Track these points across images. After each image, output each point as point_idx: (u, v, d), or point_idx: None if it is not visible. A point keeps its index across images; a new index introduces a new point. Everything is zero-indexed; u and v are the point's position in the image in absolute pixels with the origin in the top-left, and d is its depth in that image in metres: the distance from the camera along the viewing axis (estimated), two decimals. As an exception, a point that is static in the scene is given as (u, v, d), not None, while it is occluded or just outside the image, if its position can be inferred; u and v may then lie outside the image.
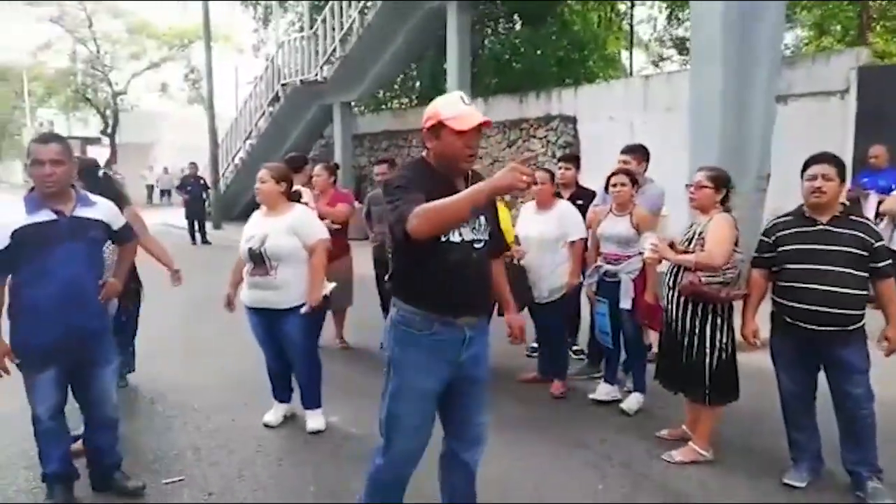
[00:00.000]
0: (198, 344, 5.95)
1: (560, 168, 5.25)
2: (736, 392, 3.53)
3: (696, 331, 3.46)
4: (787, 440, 3.38)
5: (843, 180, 3.11)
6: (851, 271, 3.01)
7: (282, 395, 4.12)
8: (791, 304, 3.13)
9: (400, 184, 2.28)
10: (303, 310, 3.75)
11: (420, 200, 2.13)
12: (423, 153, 2.43)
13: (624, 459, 3.60)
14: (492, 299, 2.56)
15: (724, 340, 3.45)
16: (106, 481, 3.24)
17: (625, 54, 18.83)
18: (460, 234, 2.32)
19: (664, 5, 18.38)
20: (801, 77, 8.31)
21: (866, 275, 3.04)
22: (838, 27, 16.66)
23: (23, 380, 2.96)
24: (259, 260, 3.75)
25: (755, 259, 3.34)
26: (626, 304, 4.18)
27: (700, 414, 3.59)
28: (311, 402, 4.02)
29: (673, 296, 3.56)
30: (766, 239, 3.28)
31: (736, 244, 3.43)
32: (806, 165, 3.18)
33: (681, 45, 18.42)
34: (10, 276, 2.86)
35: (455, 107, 2.31)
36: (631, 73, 16.96)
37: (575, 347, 5.39)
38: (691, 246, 3.49)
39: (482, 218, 2.40)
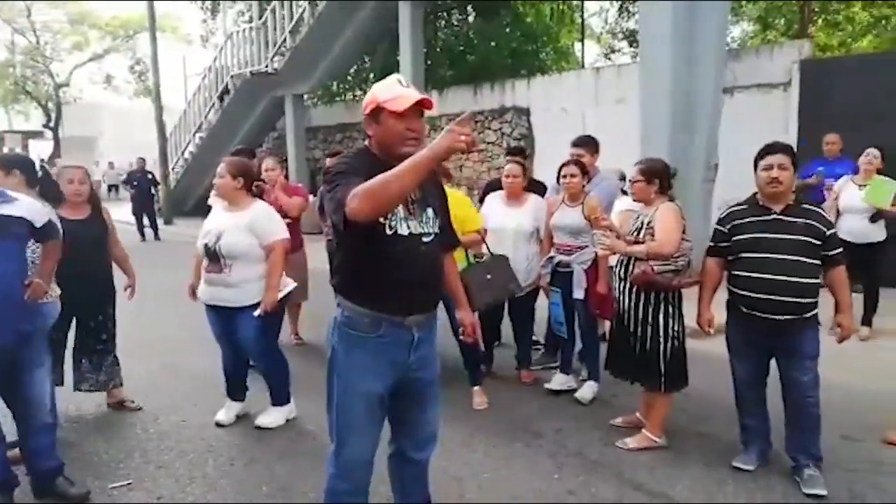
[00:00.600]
0: (147, 342, 5.79)
1: (510, 162, 5.24)
2: (686, 379, 3.60)
3: (650, 320, 3.50)
4: (738, 425, 3.45)
5: (796, 169, 3.16)
6: (805, 259, 3.04)
7: (235, 393, 4.04)
8: (746, 293, 3.16)
9: (340, 170, 2.14)
10: (255, 312, 3.67)
11: (359, 184, 1.97)
12: (366, 142, 2.31)
13: (579, 448, 3.64)
14: (441, 296, 2.45)
15: (676, 328, 3.51)
16: (48, 488, 3.12)
17: (577, 46, 19.01)
18: (408, 227, 2.21)
19: (615, -2, 18.62)
20: (746, 69, 8.52)
21: (819, 263, 3.08)
22: (782, 21, 17.12)
23: None
24: (214, 257, 3.66)
25: (710, 248, 3.38)
26: (578, 294, 4.22)
27: (653, 401, 3.65)
28: (279, 398, 3.96)
29: (624, 286, 3.60)
30: (720, 228, 3.31)
31: (684, 232, 3.48)
32: (760, 155, 3.20)
33: (632, 38, 18.65)
34: None
35: (392, 89, 2.20)
36: (583, 66, 17.12)
37: (533, 338, 5.43)
38: (640, 236, 3.54)
39: (430, 210, 2.30)
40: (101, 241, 4.02)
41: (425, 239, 2.27)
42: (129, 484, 3.27)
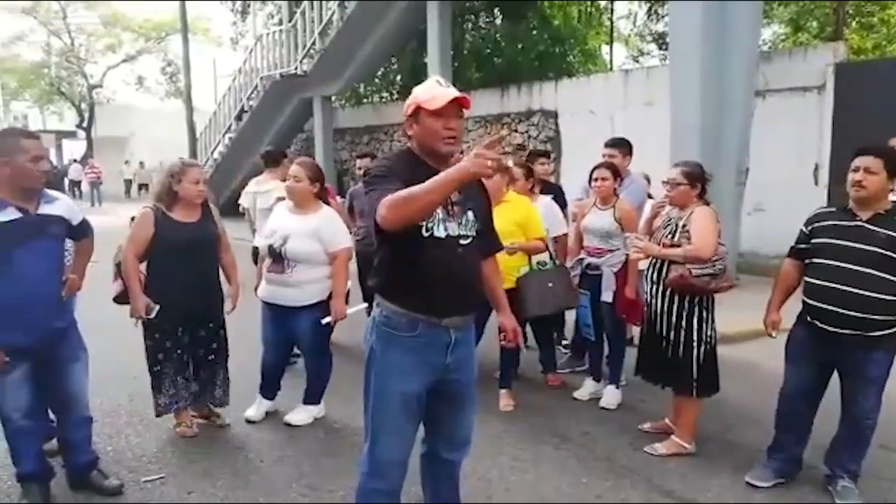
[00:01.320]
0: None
1: (544, 164, 5.25)
2: (718, 384, 3.55)
3: (683, 324, 3.45)
4: (768, 434, 3.34)
5: (892, 175, 2.89)
6: (881, 274, 2.83)
7: (269, 392, 4.09)
8: (813, 301, 3.00)
9: (377, 173, 2.22)
10: (324, 320, 3.74)
11: (395, 190, 2.03)
12: (409, 144, 2.35)
13: (607, 452, 3.62)
14: (480, 299, 2.47)
15: (710, 333, 3.47)
16: (83, 481, 3.19)
17: (605, 49, 18.91)
18: (445, 229, 2.23)
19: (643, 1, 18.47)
20: (778, 72, 8.39)
21: None
22: (814, 23, 16.84)
23: None
24: (278, 257, 3.72)
25: (791, 249, 3.22)
26: (607, 297, 4.20)
27: (683, 407, 3.61)
28: (313, 397, 4.00)
29: (657, 290, 3.56)
30: (804, 228, 3.14)
31: (719, 236, 3.44)
32: (853, 156, 2.98)
33: (660, 41, 18.50)
34: None
35: (431, 90, 2.24)
36: (611, 68, 17.02)
37: (564, 342, 5.42)
38: (675, 239, 3.49)
39: (470, 213, 2.31)
40: (213, 245, 3.77)
41: (463, 241, 2.28)
42: (161, 478, 3.33)
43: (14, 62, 30.19)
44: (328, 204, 3.98)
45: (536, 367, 4.84)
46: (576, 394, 4.44)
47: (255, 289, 4.04)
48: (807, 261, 3.09)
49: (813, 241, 3.06)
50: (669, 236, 3.53)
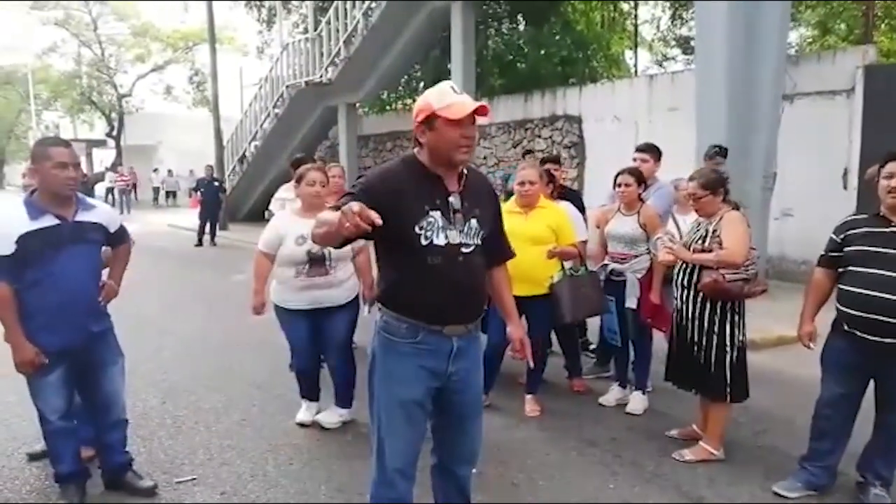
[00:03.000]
0: (205, 343, 5.97)
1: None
2: (748, 390, 3.53)
3: (716, 329, 3.43)
4: (797, 439, 3.32)
5: None
6: None
7: (312, 394, 4.14)
8: (848, 310, 2.95)
9: (359, 186, 2.23)
10: (366, 310, 3.82)
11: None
12: (415, 151, 2.29)
13: (634, 458, 3.61)
14: (482, 307, 2.40)
15: (741, 338, 3.45)
16: (118, 481, 3.26)
17: (629, 54, 18.84)
18: (445, 237, 2.19)
19: (668, 5, 18.36)
20: (806, 76, 8.29)
21: None
22: (843, 26, 16.61)
23: (27, 383, 2.99)
24: (320, 261, 3.75)
25: (821, 258, 3.17)
26: (631, 303, 4.19)
27: (712, 413, 3.59)
28: (345, 399, 4.06)
29: (688, 295, 3.54)
30: (834, 237, 3.08)
31: (749, 240, 3.42)
32: (885, 162, 2.93)
33: (685, 45, 18.38)
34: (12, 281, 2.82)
35: (447, 97, 2.17)
36: (636, 73, 16.95)
37: (591, 346, 5.41)
38: (706, 244, 3.48)
39: (474, 221, 2.27)
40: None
41: (465, 249, 2.24)
42: (193, 479, 3.39)
43: (46, 72, 31.00)
44: None
45: (562, 373, 4.84)
46: (602, 399, 4.43)
47: (262, 304, 3.99)
48: (840, 269, 3.05)
49: (846, 249, 3.01)
50: (700, 241, 3.52)
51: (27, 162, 3.19)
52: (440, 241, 2.19)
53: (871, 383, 3.06)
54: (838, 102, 8.07)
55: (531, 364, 2.74)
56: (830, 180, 7.93)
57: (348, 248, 3.77)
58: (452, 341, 2.28)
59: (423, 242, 2.17)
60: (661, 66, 20.31)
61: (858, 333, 2.93)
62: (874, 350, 2.91)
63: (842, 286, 3.02)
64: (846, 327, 2.99)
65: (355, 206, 1.87)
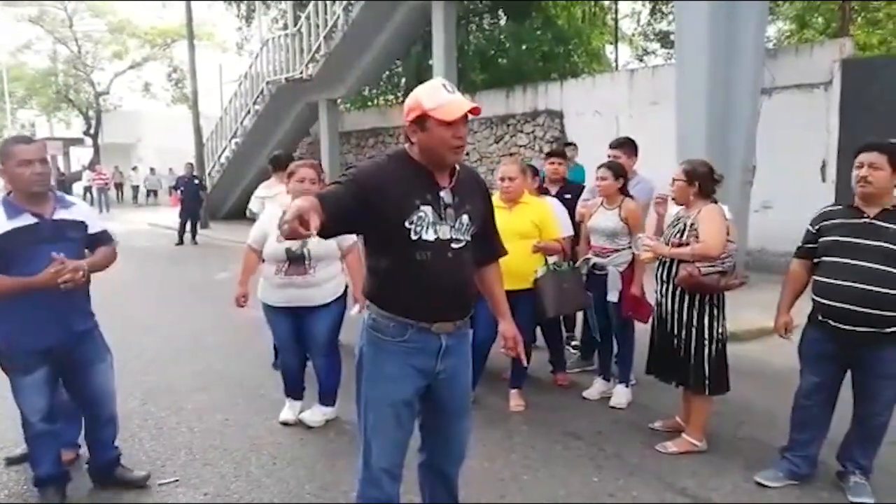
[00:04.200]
0: (188, 343, 5.91)
1: (552, 164, 5.24)
2: (728, 382, 3.56)
3: (694, 322, 3.46)
4: (777, 430, 3.35)
5: None
6: (893, 270, 2.82)
7: (296, 392, 4.11)
8: (825, 301, 2.97)
9: (347, 174, 2.17)
10: (354, 310, 3.76)
11: (334, 194, 2.05)
12: (406, 146, 2.26)
13: (618, 451, 3.63)
14: (471, 304, 2.38)
15: (720, 331, 3.48)
16: (107, 477, 3.27)
17: (609, 49, 18.90)
18: (435, 232, 2.17)
19: (647, -1, 18.47)
20: (784, 70, 8.37)
21: None
22: (820, 20, 16.80)
23: (9, 383, 2.95)
24: (299, 260, 3.72)
25: (798, 249, 3.20)
26: (613, 296, 4.21)
27: (694, 405, 3.62)
28: (328, 398, 4.03)
29: (667, 289, 3.57)
30: (810, 227, 3.13)
31: (728, 234, 3.45)
32: (857, 153, 2.98)
33: (664, 39, 18.50)
34: None
35: (439, 96, 2.13)
36: (616, 68, 17.01)
37: (573, 342, 5.43)
38: (683, 238, 3.51)
39: (465, 217, 2.25)
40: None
41: (454, 245, 2.22)
42: (176, 481, 3.35)
43: (21, 70, 30.50)
44: None
45: (546, 368, 4.86)
46: (585, 393, 4.45)
47: (245, 296, 4.00)
48: (816, 260, 3.09)
49: (821, 239, 3.04)
50: (678, 235, 3.55)
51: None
52: (429, 236, 2.17)
53: (850, 376, 3.09)
54: (816, 96, 8.17)
55: (523, 362, 2.73)
56: (809, 173, 8.03)
57: (333, 247, 3.76)
58: (441, 339, 2.26)
59: (413, 237, 2.15)
60: (641, 60, 20.43)
61: (832, 323, 2.97)
62: (849, 340, 2.94)
63: (817, 277, 3.06)
64: (821, 317, 3.02)
65: (304, 207, 1.85)
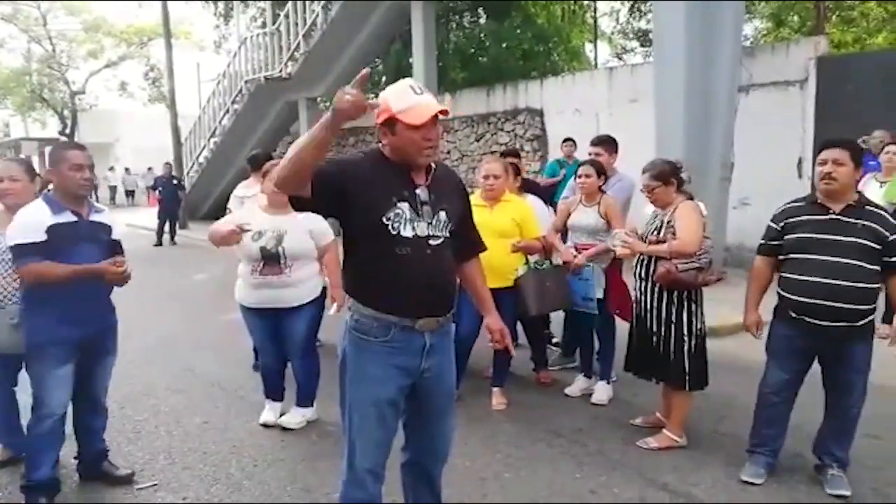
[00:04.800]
0: (166, 345, 5.84)
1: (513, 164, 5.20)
2: (707, 378, 3.58)
3: (672, 318, 3.48)
4: (751, 431, 3.33)
5: (858, 166, 2.96)
6: (863, 264, 2.86)
7: (275, 394, 4.07)
8: (795, 297, 2.99)
9: (329, 161, 2.17)
10: (332, 310, 3.73)
11: (320, 170, 2.08)
12: (379, 145, 2.26)
13: (600, 448, 3.64)
14: (452, 300, 2.37)
15: (699, 326, 3.50)
16: (95, 470, 3.31)
17: (589, 47, 19.00)
18: (413, 229, 2.18)
19: (626, -4, 18.58)
20: (761, 67, 8.46)
21: (878, 268, 2.89)
22: (795, 18, 17.01)
23: (35, 374, 2.98)
24: (273, 259, 3.66)
25: (761, 246, 3.22)
26: (598, 293, 4.22)
27: (674, 401, 3.64)
28: (307, 399, 3.99)
29: (645, 286, 3.59)
30: (773, 225, 3.14)
31: (704, 230, 3.47)
32: (819, 150, 3.04)
33: (643, 38, 18.62)
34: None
35: (407, 98, 2.13)
36: (596, 66, 17.10)
37: (554, 340, 5.44)
38: (661, 235, 3.53)
39: (442, 213, 2.25)
40: None
41: (433, 242, 2.23)
42: (154, 485, 3.31)
43: (-6, 70, 29.91)
44: None
45: (528, 365, 4.86)
46: (567, 390, 4.46)
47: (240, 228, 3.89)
48: (782, 257, 3.11)
49: (787, 237, 3.06)
50: (655, 232, 3.57)
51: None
52: (407, 232, 2.17)
53: (821, 370, 3.14)
54: (792, 93, 8.26)
55: (512, 354, 2.72)
56: (786, 169, 8.12)
57: (310, 246, 3.73)
58: (425, 337, 2.26)
59: (392, 233, 2.15)
60: (620, 58, 20.55)
61: (808, 319, 2.98)
62: (821, 335, 2.98)
63: (786, 274, 3.08)
64: (793, 314, 3.04)
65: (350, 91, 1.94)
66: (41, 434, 3.00)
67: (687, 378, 3.50)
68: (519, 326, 4.78)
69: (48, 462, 3.03)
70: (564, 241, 4.46)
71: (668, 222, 3.52)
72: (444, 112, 2.16)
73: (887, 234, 2.89)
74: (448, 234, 2.29)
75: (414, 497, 2.56)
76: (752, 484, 3.20)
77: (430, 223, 2.22)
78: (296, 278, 3.71)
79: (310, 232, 3.72)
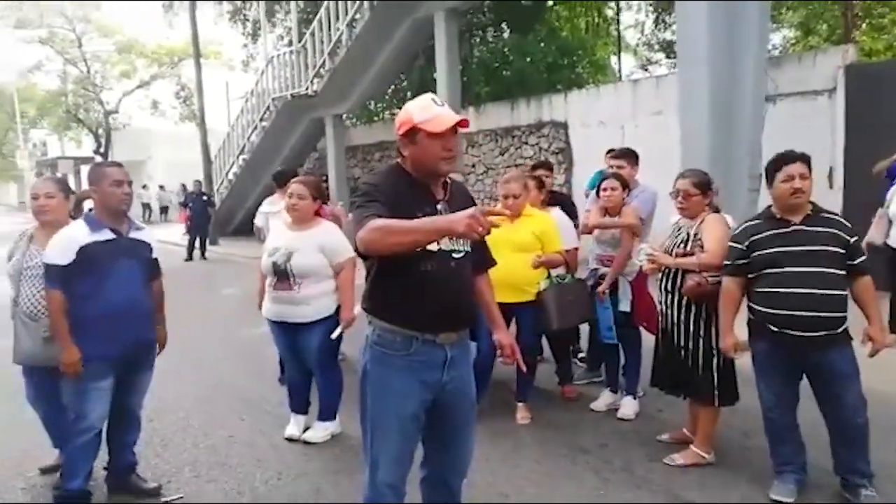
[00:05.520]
0: (195, 359, 5.92)
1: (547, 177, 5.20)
2: (737, 392, 3.52)
3: (701, 332, 3.43)
4: (769, 452, 3.27)
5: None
6: (833, 271, 2.91)
7: (300, 406, 4.10)
8: (775, 311, 2.99)
9: (366, 191, 2.20)
10: (336, 332, 3.76)
11: (380, 213, 2.07)
12: (399, 160, 2.32)
13: (625, 464, 3.59)
14: (473, 314, 2.43)
15: None
16: (123, 482, 3.37)
17: (614, 59, 18.95)
18: (437, 244, 2.20)
19: (650, 8, 18.50)
20: (788, 77, 8.35)
21: (844, 273, 2.94)
22: (824, 27, 16.77)
23: (75, 388, 3.05)
24: (283, 275, 3.74)
25: (727, 266, 3.20)
26: (624, 306, 4.18)
27: (701, 416, 3.58)
28: (328, 414, 4.01)
29: (672, 300, 3.54)
30: (737, 245, 3.14)
31: None
32: (777, 166, 3.05)
33: (668, 49, 18.53)
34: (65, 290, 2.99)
35: (428, 109, 2.20)
36: (620, 78, 17.04)
37: (580, 355, 5.40)
38: (687, 248, 3.49)
39: None
40: None
41: (456, 255, 2.27)
42: (180, 498, 3.36)
43: (32, 91, 30.88)
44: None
45: (553, 380, 4.83)
46: (593, 405, 4.42)
47: (259, 306, 4.08)
48: (751, 275, 3.10)
49: (754, 254, 3.06)
50: (682, 246, 3.53)
51: (13, 182, 3.30)
52: (432, 247, 2.19)
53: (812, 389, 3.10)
54: (820, 103, 8.13)
55: (523, 369, 2.72)
56: (816, 180, 7.93)
57: (319, 264, 3.77)
58: (446, 350, 2.28)
59: (418, 249, 2.15)
60: (645, 70, 20.43)
61: (790, 332, 2.97)
62: (803, 346, 2.97)
63: (761, 289, 3.06)
64: (774, 328, 3.02)
65: (481, 214, 1.87)
66: (79, 446, 3.07)
67: (717, 393, 3.45)
68: (544, 340, 4.76)
69: (82, 473, 3.11)
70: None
71: (696, 235, 3.48)
72: (464, 123, 2.21)
73: (848, 237, 2.94)
74: (469, 249, 2.32)
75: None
76: (783, 503, 3.12)
77: (452, 238, 2.24)
78: (305, 295, 3.74)
79: (321, 248, 3.76)
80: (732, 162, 6.98)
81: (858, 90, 7.80)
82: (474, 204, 2.46)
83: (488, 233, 1.90)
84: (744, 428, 3.94)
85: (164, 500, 3.33)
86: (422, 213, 2.19)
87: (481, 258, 2.51)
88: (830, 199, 7.53)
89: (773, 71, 8.14)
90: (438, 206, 2.26)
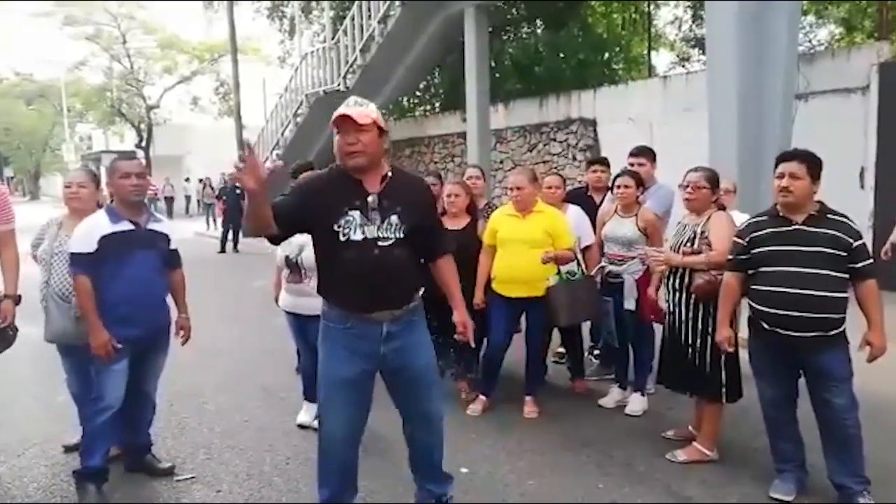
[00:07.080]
0: (219, 348, 6.09)
1: (595, 172, 5.20)
2: (741, 389, 3.51)
3: (709, 330, 3.42)
4: (770, 450, 3.27)
5: (815, 179, 2.98)
6: (830, 272, 2.88)
7: (313, 395, 4.19)
8: (767, 309, 3.00)
9: (291, 187, 2.64)
10: None
11: (279, 206, 2.45)
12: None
13: (627, 459, 3.62)
14: (409, 294, 2.62)
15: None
16: (138, 462, 3.53)
17: (653, 54, 18.67)
18: (362, 233, 2.45)
19: (688, 5, 18.19)
20: (821, 74, 8.18)
21: (846, 276, 2.91)
22: (867, 23, 16.29)
23: (94, 370, 3.21)
24: (295, 267, 3.87)
25: (729, 262, 3.22)
26: (630, 304, 4.19)
27: (706, 414, 3.58)
28: None
29: (680, 298, 3.55)
30: (740, 240, 3.14)
31: None
32: (777, 163, 3.07)
33: (702, 45, 18.19)
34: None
35: (341, 109, 2.44)
36: (653, 74, 16.82)
37: (596, 351, 5.40)
38: (695, 246, 3.49)
39: (394, 217, 2.49)
40: (473, 253, 4.21)
41: (382, 243, 2.48)
42: (192, 478, 3.50)
43: (78, 86, 31.83)
44: None
45: (564, 375, 4.86)
46: (601, 401, 4.43)
47: (276, 299, 4.19)
48: (750, 271, 3.09)
49: (754, 251, 3.06)
50: (688, 244, 3.53)
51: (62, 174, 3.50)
52: (357, 236, 2.45)
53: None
54: (853, 100, 7.96)
55: (472, 344, 2.98)
56: (847, 179, 7.81)
57: None
58: (383, 325, 2.54)
59: (342, 239, 2.45)
60: (683, 65, 20.11)
61: (781, 331, 2.96)
62: (795, 346, 2.96)
63: (756, 287, 3.06)
64: (766, 326, 3.02)
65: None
66: (97, 425, 3.22)
67: (724, 390, 3.45)
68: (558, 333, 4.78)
69: (101, 451, 3.24)
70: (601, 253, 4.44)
71: (702, 233, 3.49)
72: (346, 118, 2.40)
73: (851, 240, 2.90)
74: (401, 236, 2.51)
75: (414, 456, 2.84)
76: (781, 501, 3.12)
77: (380, 226, 2.48)
78: (314, 288, 3.82)
79: None
80: (761, 160, 6.86)
81: (893, 88, 7.61)
82: (422, 198, 2.70)
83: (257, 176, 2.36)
84: (752, 427, 3.90)
85: (177, 478, 3.47)
86: (350, 205, 2.46)
87: (434, 244, 2.75)
88: (861, 199, 7.39)
89: (806, 67, 7.99)
90: (369, 199, 2.48)
